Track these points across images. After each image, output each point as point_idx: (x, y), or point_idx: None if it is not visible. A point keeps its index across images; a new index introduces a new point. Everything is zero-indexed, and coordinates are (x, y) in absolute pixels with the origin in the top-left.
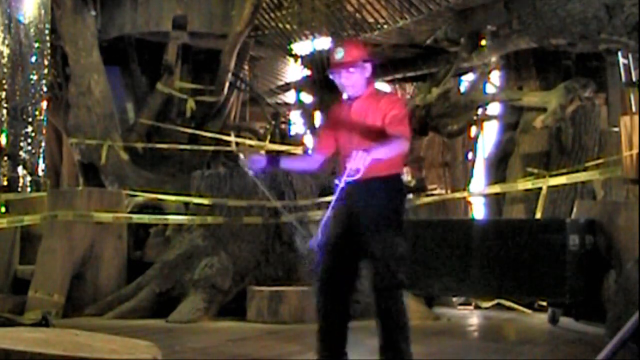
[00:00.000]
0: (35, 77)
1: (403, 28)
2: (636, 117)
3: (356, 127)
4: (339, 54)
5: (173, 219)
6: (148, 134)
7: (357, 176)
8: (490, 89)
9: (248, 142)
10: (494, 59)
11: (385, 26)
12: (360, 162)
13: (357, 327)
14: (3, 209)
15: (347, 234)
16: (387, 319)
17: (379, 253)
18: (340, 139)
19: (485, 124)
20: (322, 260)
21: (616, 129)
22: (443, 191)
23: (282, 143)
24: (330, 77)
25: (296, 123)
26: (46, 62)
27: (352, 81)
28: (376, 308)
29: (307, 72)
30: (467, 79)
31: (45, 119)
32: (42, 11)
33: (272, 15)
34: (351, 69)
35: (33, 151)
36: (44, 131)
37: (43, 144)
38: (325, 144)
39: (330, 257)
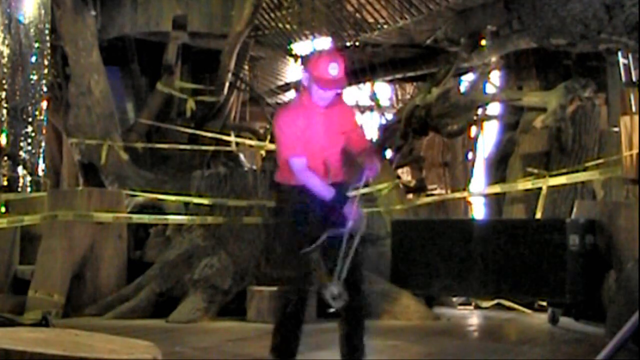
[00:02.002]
0: (35, 77)
1: (403, 28)
2: (636, 117)
3: (333, 135)
4: (334, 71)
5: (173, 219)
6: (148, 134)
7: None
8: (490, 89)
9: (248, 142)
10: (494, 59)
11: (385, 26)
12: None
13: None
14: (3, 209)
15: (318, 235)
16: (358, 314)
17: (353, 254)
18: (312, 145)
19: (485, 124)
20: (295, 260)
21: (616, 129)
22: (443, 191)
23: None
24: (322, 92)
25: None
26: (46, 62)
27: (336, 92)
28: (349, 304)
29: None
30: (467, 79)
31: (45, 119)
32: (42, 11)
33: (272, 15)
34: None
35: (33, 151)
36: (44, 131)
37: (43, 144)
38: (303, 149)
39: (303, 258)
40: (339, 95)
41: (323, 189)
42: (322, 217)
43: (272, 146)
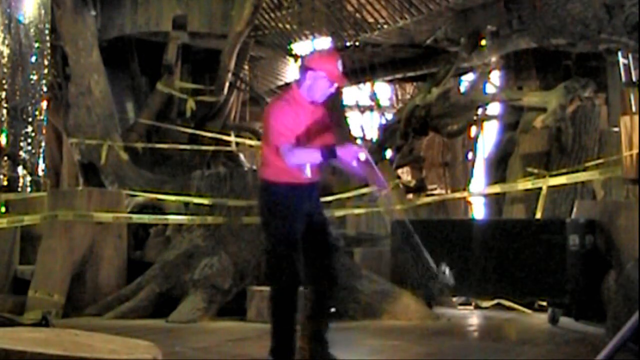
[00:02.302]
0: (35, 77)
1: (403, 28)
2: (636, 117)
3: (317, 133)
4: (341, 66)
5: (173, 219)
6: (148, 134)
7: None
8: (490, 89)
9: (248, 142)
10: (494, 59)
11: (385, 26)
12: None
13: (357, 327)
14: (3, 209)
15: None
16: (327, 307)
17: (330, 249)
18: (303, 138)
19: (485, 124)
20: (290, 259)
21: (616, 129)
22: (443, 191)
23: None
24: (330, 88)
25: None
26: (46, 62)
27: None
28: (318, 297)
29: None
30: (467, 79)
31: (45, 119)
32: (42, 11)
33: (272, 15)
34: None
35: (33, 151)
36: (44, 131)
37: (43, 144)
38: (295, 140)
39: (295, 256)
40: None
41: (315, 156)
42: (307, 212)
43: None
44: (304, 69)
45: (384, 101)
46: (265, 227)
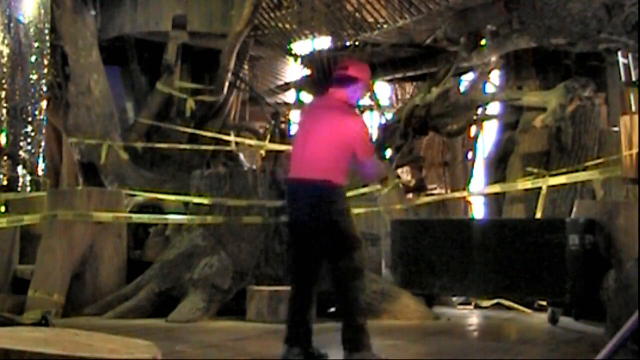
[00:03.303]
0: (35, 77)
1: (403, 28)
2: (636, 117)
3: None
4: None
5: (173, 219)
6: (148, 134)
7: None
8: (490, 89)
9: (248, 142)
10: (494, 59)
11: (385, 26)
12: None
13: None
14: (3, 209)
15: None
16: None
17: None
18: None
19: (485, 124)
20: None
21: (616, 129)
22: (443, 191)
23: (282, 143)
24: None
25: (296, 123)
26: (46, 62)
27: None
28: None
29: (307, 72)
30: (467, 79)
31: (45, 119)
32: (42, 11)
33: (272, 15)
34: None
35: (33, 151)
36: (44, 131)
37: (43, 144)
38: None
39: None
40: None
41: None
42: None
43: (272, 146)
44: (348, 79)
45: (384, 101)
46: (337, 226)
